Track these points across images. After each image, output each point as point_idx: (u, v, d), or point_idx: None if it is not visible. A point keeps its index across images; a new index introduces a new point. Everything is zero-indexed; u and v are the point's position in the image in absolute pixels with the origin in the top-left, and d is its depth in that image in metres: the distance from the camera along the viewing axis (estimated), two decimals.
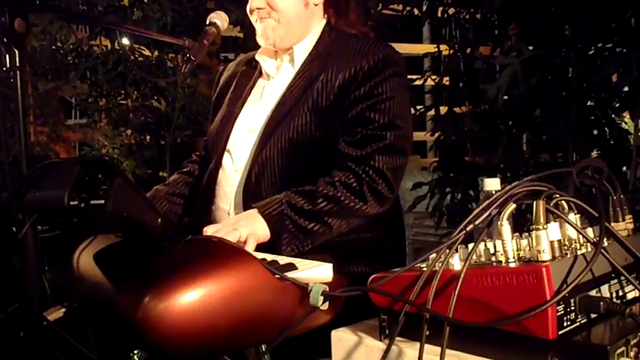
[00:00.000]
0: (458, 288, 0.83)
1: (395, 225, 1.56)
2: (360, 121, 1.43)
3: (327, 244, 1.40)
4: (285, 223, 1.33)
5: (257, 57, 1.63)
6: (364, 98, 1.43)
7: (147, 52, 4.26)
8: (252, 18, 1.56)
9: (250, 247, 1.27)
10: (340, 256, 1.38)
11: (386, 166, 1.40)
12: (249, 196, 1.46)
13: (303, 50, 1.56)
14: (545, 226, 0.83)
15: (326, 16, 1.60)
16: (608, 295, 0.88)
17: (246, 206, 1.45)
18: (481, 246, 0.89)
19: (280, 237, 1.33)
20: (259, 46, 1.62)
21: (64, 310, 1.14)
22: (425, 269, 0.89)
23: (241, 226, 1.31)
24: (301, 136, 1.45)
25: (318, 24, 1.59)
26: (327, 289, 0.98)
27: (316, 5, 1.57)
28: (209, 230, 1.30)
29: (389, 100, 1.43)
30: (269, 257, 1.17)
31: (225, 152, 1.56)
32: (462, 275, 0.83)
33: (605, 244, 0.88)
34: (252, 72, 1.67)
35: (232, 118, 1.59)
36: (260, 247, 1.31)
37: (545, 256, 0.82)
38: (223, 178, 1.54)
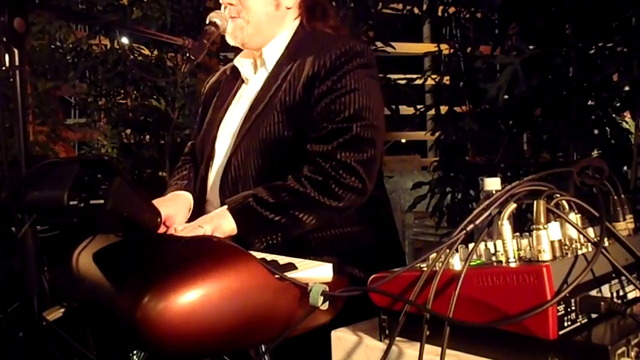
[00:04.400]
0: (458, 288, 0.83)
1: (379, 220, 1.56)
2: (326, 115, 1.42)
3: (305, 240, 1.41)
4: (251, 215, 1.35)
5: (235, 62, 1.65)
6: (328, 93, 1.43)
7: (146, 52, 4.25)
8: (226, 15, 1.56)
9: None
10: (325, 254, 1.39)
11: (353, 160, 1.39)
12: (226, 200, 1.46)
13: (274, 51, 1.56)
14: (545, 226, 0.83)
15: (299, 17, 1.59)
16: (608, 295, 0.88)
17: None
18: (481, 246, 0.88)
19: (247, 229, 1.35)
20: None
21: (63, 310, 1.14)
22: (425, 269, 0.89)
23: (206, 222, 1.34)
24: (271, 136, 1.45)
25: (290, 24, 1.59)
26: (327, 289, 0.98)
27: (289, 8, 1.57)
28: (178, 228, 1.34)
29: (353, 91, 1.42)
30: (269, 257, 1.16)
31: (211, 158, 1.58)
32: (462, 275, 0.83)
33: (606, 243, 0.88)
34: (235, 79, 1.69)
35: (217, 125, 1.62)
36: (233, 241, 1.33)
37: (546, 255, 0.82)
38: (209, 183, 1.57)
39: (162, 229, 1.41)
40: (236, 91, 1.66)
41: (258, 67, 1.61)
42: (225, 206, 1.39)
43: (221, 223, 1.34)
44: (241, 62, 1.64)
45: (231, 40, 1.58)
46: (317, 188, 1.37)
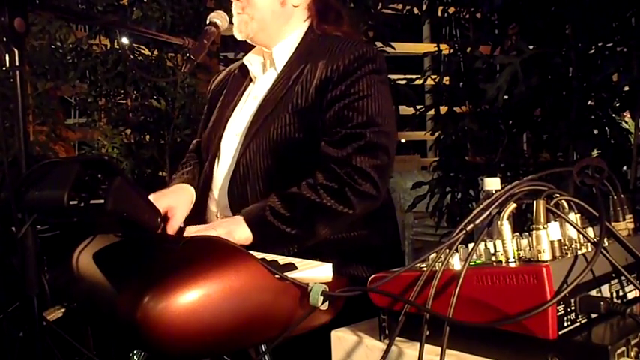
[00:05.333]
0: (458, 288, 0.83)
1: (384, 222, 1.56)
2: (339, 120, 1.42)
3: (316, 245, 1.40)
4: (268, 229, 1.34)
5: (244, 60, 1.65)
6: (341, 97, 1.43)
7: (146, 52, 4.25)
8: (234, 10, 1.56)
9: None
10: (331, 257, 1.38)
11: (368, 165, 1.39)
12: (235, 199, 1.47)
13: (284, 52, 1.56)
14: (545, 226, 0.83)
15: (309, 19, 1.59)
16: (608, 294, 0.88)
17: (232, 209, 1.47)
18: (481, 246, 0.88)
19: (264, 242, 1.34)
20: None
21: (63, 310, 1.14)
22: (425, 269, 0.89)
23: (220, 226, 1.34)
24: (281, 137, 1.45)
25: (300, 25, 1.59)
26: (327, 289, 0.98)
27: (295, 7, 1.57)
28: (191, 230, 1.34)
29: (366, 97, 1.43)
30: (269, 257, 1.16)
31: (217, 157, 1.58)
32: (462, 275, 0.83)
33: (606, 243, 0.88)
34: (242, 76, 1.68)
35: (223, 123, 1.61)
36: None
37: (546, 255, 0.82)
38: (213, 181, 1.56)
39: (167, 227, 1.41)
40: (244, 89, 1.65)
41: (268, 66, 1.60)
42: (241, 216, 1.37)
43: (235, 229, 1.34)
44: (251, 60, 1.63)
45: (237, 35, 1.57)
46: (333, 196, 1.37)
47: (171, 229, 1.46)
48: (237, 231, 1.34)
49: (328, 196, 1.36)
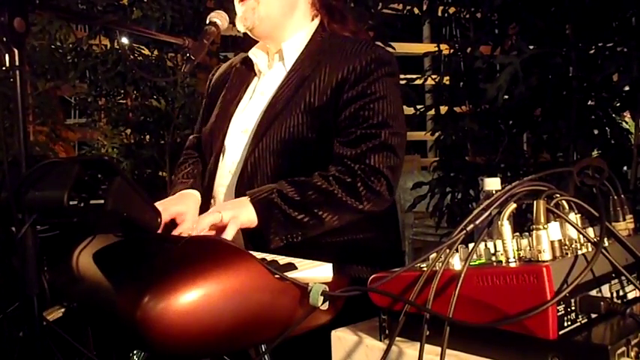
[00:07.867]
0: (458, 288, 0.83)
1: (389, 225, 1.56)
2: (354, 120, 1.42)
3: (319, 246, 1.39)
4: (274, 211, 1.33)
5: (250, 53, 1.63)
6: (357, 98, 1.43)
7: (146, 52, 4.25)
8: (236, 1, 1.55)
9: (230, 232, 1.28)
10: (333, 259, 1.38)
11: (382, 165, 1.39)
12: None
13: (294, 48, 1.55)
14: (545, 226, 0.83)
15: (319, 16, 1.59)
16: (608, 295, 0.88)
17: None
18: (481, 246, 0.88)
19: (268, 225, 1.33)
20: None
21: (63, 310, 1.14)
22: (425, 269, 0.89)
23: (227, 209, 1.32)
24: (293, 136, 1.44)
25: (308, 23, 1.58)
26: (327, 289, 0.98)
27: None
28: (195, 218, 1.33)
29: (382, 99, 1.43)
30: (269, 257, 1.16)
31: (221, 153, 1.56)
32: (462, 275, 0.83)
33: (606, 243, 0.88)
34: (246, 71, 1.66)
35: (227, 118, 1.59)
36: (249, 234, 1.32)
37: (546, 255, 0.82)
38: (217, 179, 1.54)
39: (177, 230, 1.40)
40: (248, 84, 1.63)
41: (275, 62, 1.59)
42: (247, 196, 1.36)
43: (241, 212, 1.32)
44: (256, 54, 1.61)
45: (240, 26, 1.55)
46: (344, 188, 1.37)
47: (185, 234, 1.45)
48: (243, 213, 1.32)
49: (339, 187, 1.36)
